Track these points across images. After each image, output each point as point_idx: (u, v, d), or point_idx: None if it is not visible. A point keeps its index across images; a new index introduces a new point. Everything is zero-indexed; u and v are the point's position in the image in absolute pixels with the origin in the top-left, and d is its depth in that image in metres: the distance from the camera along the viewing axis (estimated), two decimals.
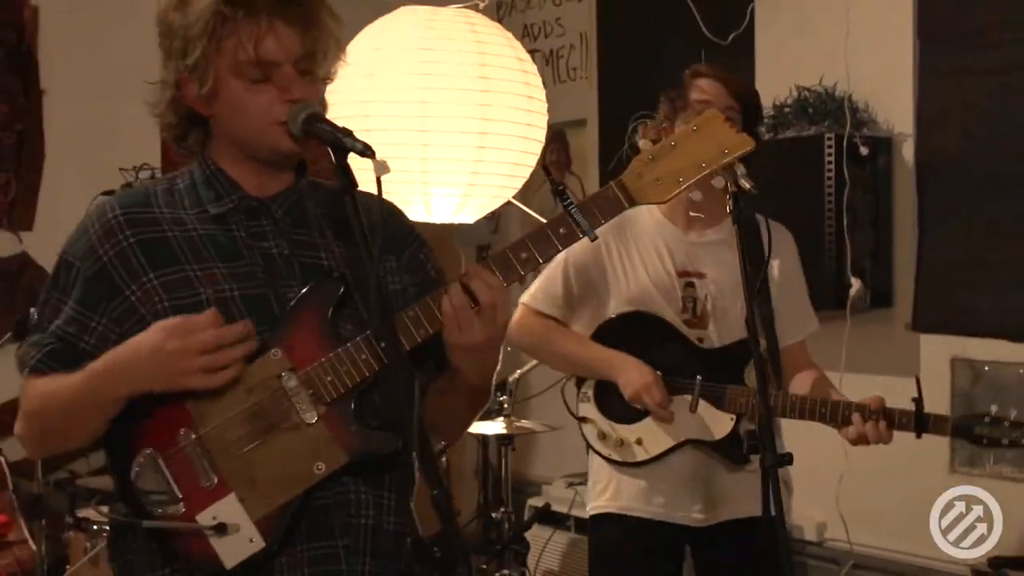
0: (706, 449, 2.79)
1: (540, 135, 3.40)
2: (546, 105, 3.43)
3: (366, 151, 1.68)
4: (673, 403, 2.76)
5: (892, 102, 3.94)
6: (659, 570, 2.88)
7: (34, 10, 4.59)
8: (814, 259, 3.78)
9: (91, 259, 1.84)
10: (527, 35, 5.30)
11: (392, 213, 2.01)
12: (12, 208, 4.58)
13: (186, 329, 1.73)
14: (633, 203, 1.82)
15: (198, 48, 1.77)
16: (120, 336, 1.82)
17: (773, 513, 2.08)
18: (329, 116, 1.83)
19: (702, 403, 2.76)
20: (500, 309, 1.77)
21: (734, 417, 2.75)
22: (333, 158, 1.71)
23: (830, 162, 3.84)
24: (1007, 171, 3.67)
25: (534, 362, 3.72)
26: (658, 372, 2.77)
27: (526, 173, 3.40)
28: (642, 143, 2.82)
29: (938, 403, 2.66)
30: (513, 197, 3.51)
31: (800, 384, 2.82)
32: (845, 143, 3.84)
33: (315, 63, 1.82)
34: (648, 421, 2.80)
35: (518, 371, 3.95)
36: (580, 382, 2.93)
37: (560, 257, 2.76)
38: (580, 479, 4.23)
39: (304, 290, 1.83)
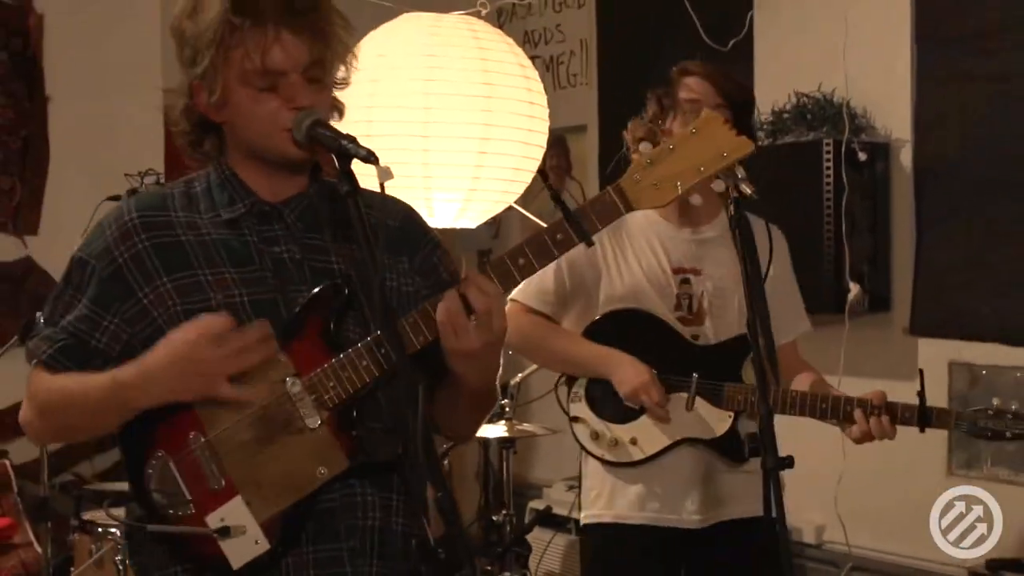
0: (703, 448, 2.74)
1: (542, 141, 3.41)
2: (547, 111, 3.45)
3: (369, 157, 1.69)
4: (669, 401, 2.71)
5: (890, 108, 3.96)
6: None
7: (39, 17, 4.61)
8: (813, 264, 3.81)
9: (107, 259, 1.87)
10: (527, 41, 5.32)
11: (408, 215, 2.02)
12: (17, 212, 4.60)
13: (214, 336, 1.75)
14: (631, 208, 1.81)
15: (207, 57, 1.80)
16: (131, 336, 1.85)
17: (774, 515, 2.08)
18: (332, 121, 1.86)
19: (699, 401, 2.72)
20: (496, 316, 1.77)
21: (732, 415, 2.70)
22: (337, 164, 1.72)
23: (828, 167, 3.86)
24: (1005, 175, 3.68)
25: (535, 366, 3.68)
26: (653, 370, 2.71)
27: (527, 178, 3.41)
28: (630, 138, 2.76)
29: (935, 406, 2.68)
30: (514, 202, 3.53)
31: (799, 385, 2.78)
32: (843, 149, 3.86)
33: (324, 71, 1.83)
34: (642, 420, 2.74)
35: (519, 375, 3.95)
36: (571, 381, 2.84)
37: None
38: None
39: (310, 295, 1.84)
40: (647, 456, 2.75)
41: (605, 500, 2.80)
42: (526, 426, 3.99)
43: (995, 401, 2.65)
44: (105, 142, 4.62)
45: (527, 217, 3.94)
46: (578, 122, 5.17)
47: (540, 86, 3.43)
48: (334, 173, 1.74)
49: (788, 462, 2.15)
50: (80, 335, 1.87)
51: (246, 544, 1.81)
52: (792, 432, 2.86)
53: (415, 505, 1.70)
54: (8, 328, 4.11)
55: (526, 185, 3.46)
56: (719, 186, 1.91)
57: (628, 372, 2.70)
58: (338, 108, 1.92)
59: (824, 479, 3.78)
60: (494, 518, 3.87)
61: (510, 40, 3.46)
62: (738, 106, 2.72)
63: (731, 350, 2.73)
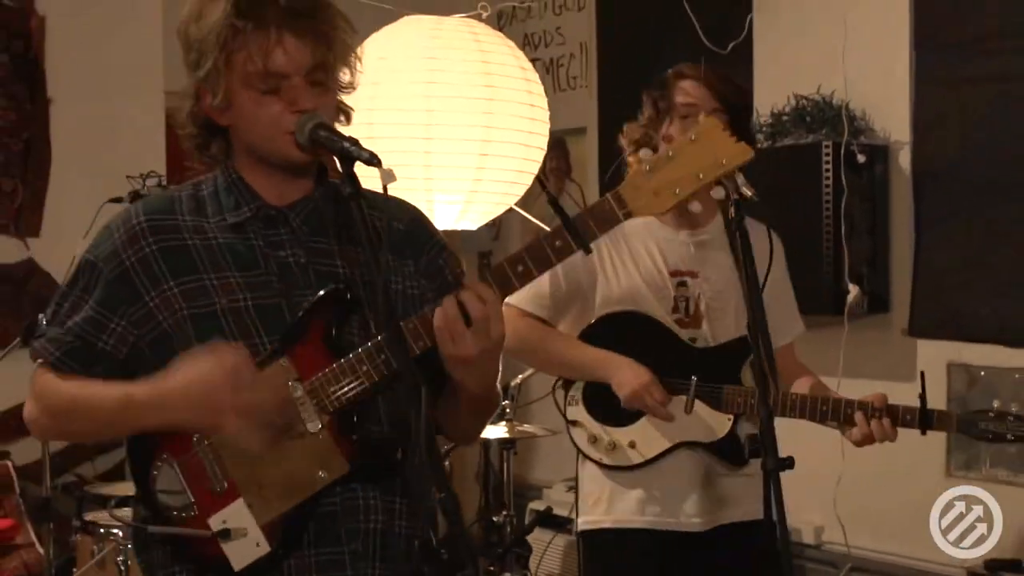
0: (702, 451, 2.71)
1: (542, 143, 3.42)
2: (548, 113, 3.46)
3: (372, 160, 1.70)
4: (670, 402, 2.67)
5: (889, 110, 3.98)
6: None
7: (41, 19, 4.61)
8: (812, 265, 3.83)
9: (114, 262, 1.88)
10: (527, 44, 5.34)
11: (416, 218, 2.02)
12: (19, 214, 4.60)
13: (230, 376, 1.76)
14: (629, 215, 1.81)
15: (210, 60, 1.80)
16: (138, 339, 1.86)
17: (775, 517, 2.08)
18: (338, 125, 1.86)
19: (698, 404, 2.69)
20: (493, 323, 1.76)
21: (731, 417, 2.68)
22: (340, 167, 1.73)
23: (828, 170, 3.88)
24: (1004, 177, 3.70)
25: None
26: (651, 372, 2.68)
27: (528, 180, 3.42)
28: (625, 141, 2.75)
29: (934, 407, 2.68)
30: (515, 204, 3.54)
31: (799, 388, 2.76)
32: (843, 151, 3.88)
33: (326, 74, 1.83)
34: (641, 423, 2.71)
35: (520, 376, 3.95)
36: (567, 384, 2.81)
37: None
38: None
39: (313, 299, 1.85)
40: (646, 460, 2.72)
41: (605, 505, 2.77)
42: (526, 427, 3.99)
43: (995, 403, 2.64)
44: (107, 144, 4.63)
45: (528, 219, 3.94)
46: (578, 124, 5.18)
47: (541, 89, 3.44)
48: (339, 176, 1.75)
49: (788, 463, 2.15)
50: (87, 337, 1.88)
51: (247, 546, 1.82)
52: (791, 433, 2.86)
53: (419, 507, 1.70)
54: (10, 330, 4.12)
55: (527, 187, 3.46)
56: (718, 193, 1.90)
57: (627, 375, 2.67)
58: (345, 112, 1.92)
59: (823, 480, 3.79)
60: (494, 519, 3.88)
61: (511, 43, 3.47)
62: (735, 109, 2.70)
63: (730, 353, 2.70)
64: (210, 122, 1.88)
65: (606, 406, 2.73)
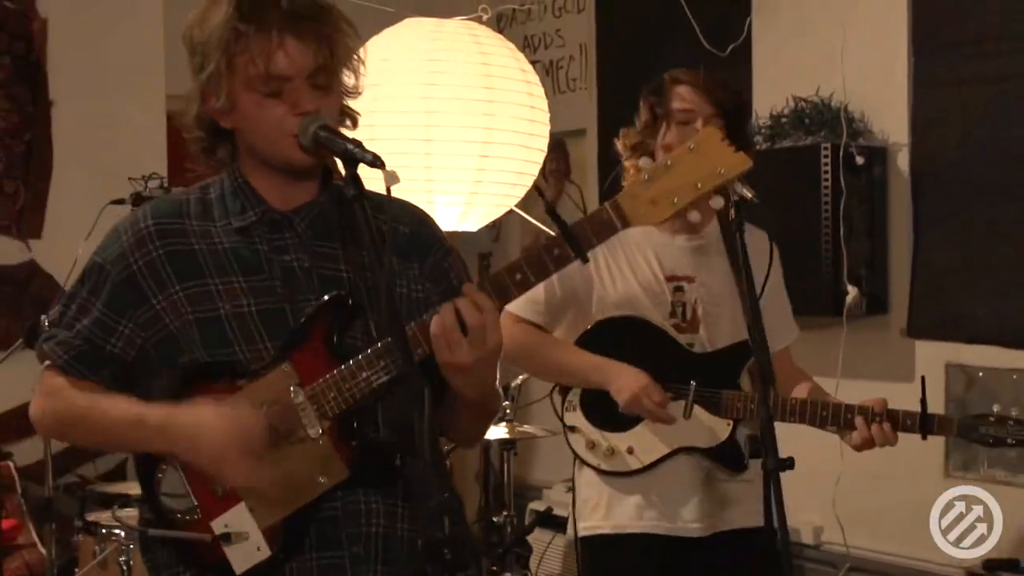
0: (701, 456, 2.69)
1: (542, 144, 3.43)
2: (548, 115, 3.46)
3: (376, 161, 1.70)
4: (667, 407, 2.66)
5: (888, 112, 3.99)
6: None
7: (43, 21, 4.62)
8: (811, 267, 3.84)
9: (121, 265, 1.88)
10: (527, 46, 5.34)
11: (421, 221, 2.03)
12: (21, 216, 4.60)
13: (247, 438, 1.78)
14: (628, 224, 1.80)
15: (212, 63, 1.80)
16: (145, 341, 1.87)
17: (775, 518, 2.09)
18: (343, 128, 1.86)
19: (697, 409, 2.66)
20: (490, 331, 1.76)
21: (731, 422, 2.66)
22: (343, 169, 1.74)
23: (826, 172, 3.89)
24: (1003, 178, 3.70)
25: None
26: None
27: (528, 182, 3.43)
28: (621, 146, 2.75)
29: (933, 409, 2.68)
30: (515, 206, 3.55)
31: (798, 393, 2.76)
32: (841, 153, 3.89)
33: (329, 77, 1.83)
34: (639, 429, 2.68)
35: (520, 376, 3.95)
36: (565, 390, 2.78)
37: None
38: None
39: (315, 304, 1.85)
40: (644, 465, 2.70)
41: (603, 511, 2.74)
42: (526, 428, 3.99)
43: (996, 407, 2.65)
44: (108, 145, 4.63)
45: (528, 220, 3.95)
46: (577, 126, 5.19)
47: (541, 91, 3.45)
48: (340, 180, 1.75)
49: (789, 463, 2.15)
50: (95, 340, 1.89)
51: (248, 550, 1.83)
52: (791, 434, 2.86)
53: (420, 509, 1.70)
54: (12, 331, 4.13)
55: (527, 189, 3.47)
56: (717, 203, 1.91)
57: (626, 379, 2.64)
58: (349, 115, 1.92)
59: (822, 480, 3.80)
60: (495, 519, 3.88)
61: (511, 45, 3.48)
62: (732, 114, 2.68)
63: (728, 357, 2.69)
64: (216, 126, 1.89)
65: (604, 411, 2.71)
